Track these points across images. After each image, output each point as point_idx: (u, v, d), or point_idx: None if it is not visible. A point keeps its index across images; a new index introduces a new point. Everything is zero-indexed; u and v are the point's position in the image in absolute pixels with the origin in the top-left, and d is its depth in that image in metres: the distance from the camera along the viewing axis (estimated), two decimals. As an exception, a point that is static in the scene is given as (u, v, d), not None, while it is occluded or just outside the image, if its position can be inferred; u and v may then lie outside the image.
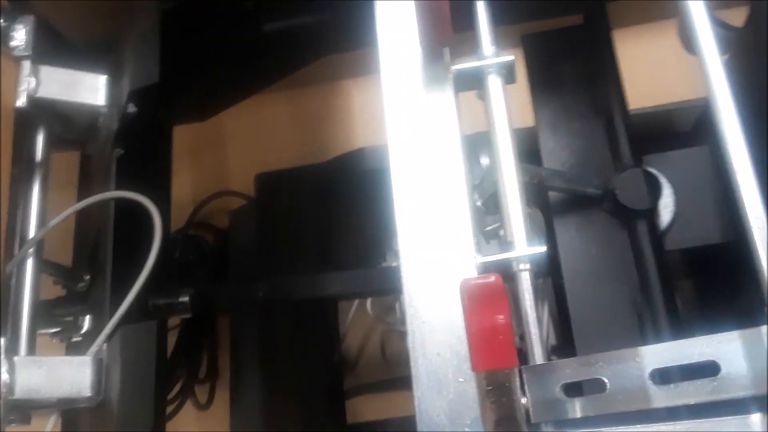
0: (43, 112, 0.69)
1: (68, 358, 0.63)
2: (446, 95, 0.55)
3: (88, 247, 0.74)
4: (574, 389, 0.47)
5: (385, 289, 0.77)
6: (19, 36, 0.68)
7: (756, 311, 0.43)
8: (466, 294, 0.43)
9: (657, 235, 0.67)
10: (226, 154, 1.24)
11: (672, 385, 0.44)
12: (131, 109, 0.69)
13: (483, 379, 0.46)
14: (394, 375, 1.06)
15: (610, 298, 0.66)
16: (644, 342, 0.63)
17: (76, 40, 0.76)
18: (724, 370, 0.43)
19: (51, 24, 0.72)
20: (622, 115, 0.71)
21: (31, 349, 0.64)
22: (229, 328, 1.06)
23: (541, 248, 0.50)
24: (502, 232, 0.54)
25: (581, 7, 0.76)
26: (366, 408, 1.07)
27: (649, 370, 0.45)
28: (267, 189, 1.06)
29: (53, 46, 0.71)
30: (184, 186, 1.18)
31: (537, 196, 0.71)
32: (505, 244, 0.51)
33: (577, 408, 0.46)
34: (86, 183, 0.80)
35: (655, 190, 0.68)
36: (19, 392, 0.59)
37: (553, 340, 0.86)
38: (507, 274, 0.50)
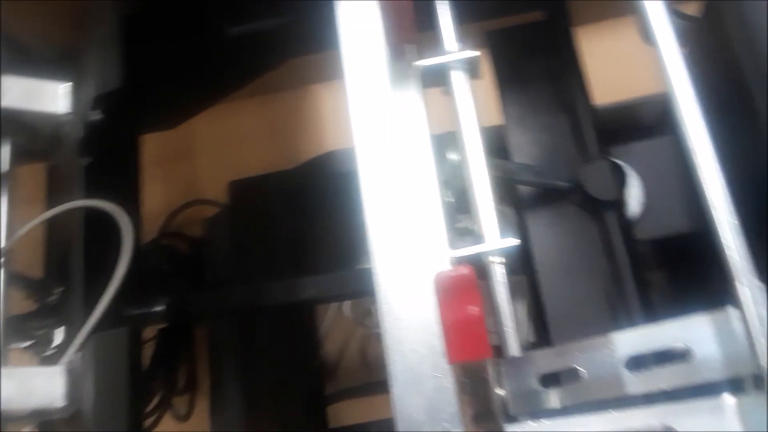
0: (5, 122, 0.68)
1: (40, 368, 0.62)
2: (412, 92, 0.55)
3: (59, 260, 0.73)
4: (551, 380, 0.47)
5: (361, 291, 0.76)
6: (-22, 46, 0.67)
7: (724, 294, 0.44)
8: (439, 286, 0.43)
9: (626, 225, 0.68)
10: (198, 162, 1.23)
11: (646, 371, 0.44)
12: (96, 115, 0.68)
13: (460, 372, 0.46)
14: (375, 378, 1.06)
15: (584, 290, 0.66)
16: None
17: (38, 50, 0.75)
18: (696, 353, 0.43)
19: (11, 34, 0.71)
20: (587, 108, 0.72)
21: (3, 362, 0.63)
22: (207, 338, 1.05)
23: (514, 241, 0.51)
24: (474, 227, 0.54)
25: (543, 5, 0.77)
26: (348, 412, 1.07)
27: (623, 357, 0.45)
28: (240, 196, 1.05)
29: (14, 56, 0.70)
30: (156, 196, 1.17)
31: (508, 192, 0.72)
32: (478, 238, 0.52)
33: (554, 398, 0.46)
34: (54, 195, 0.79)
35: (621, 181, 0.69)
36: (-10, 405, 0.57)
37: (531, 338, 0.86)
38: (482, 270, 0.51)
